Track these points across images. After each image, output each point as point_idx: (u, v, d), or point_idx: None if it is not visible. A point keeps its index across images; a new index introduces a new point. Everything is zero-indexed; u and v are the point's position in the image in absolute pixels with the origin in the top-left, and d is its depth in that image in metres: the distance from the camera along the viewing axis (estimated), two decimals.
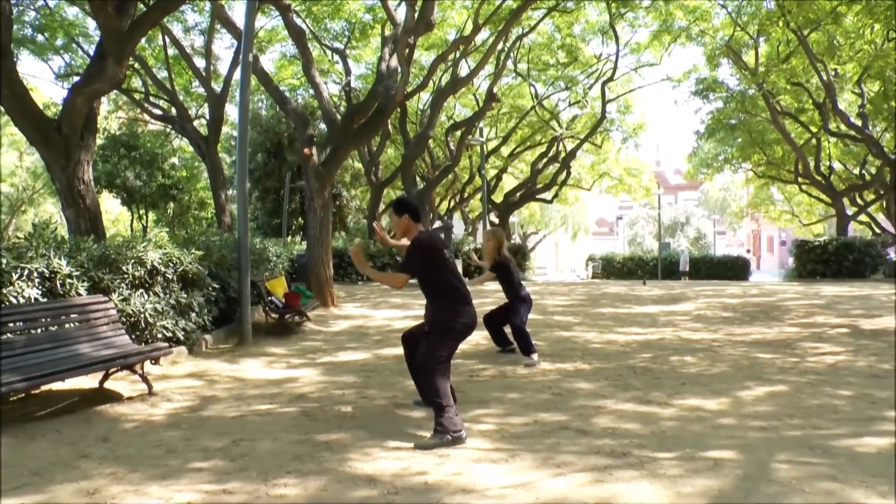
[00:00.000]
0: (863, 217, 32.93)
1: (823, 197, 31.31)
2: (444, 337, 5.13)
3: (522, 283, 8.86)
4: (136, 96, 22.69)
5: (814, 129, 27.69)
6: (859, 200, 31.85)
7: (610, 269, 38.18)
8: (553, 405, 5.90)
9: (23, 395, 5.98)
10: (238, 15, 33.42)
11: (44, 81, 67.11)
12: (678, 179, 70.21)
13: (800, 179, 30.97)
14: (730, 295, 16.39)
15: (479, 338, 9.79)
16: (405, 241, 6.16)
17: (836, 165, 31.96)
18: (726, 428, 5.13)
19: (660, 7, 23.53)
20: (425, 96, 26.66)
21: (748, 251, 59.44)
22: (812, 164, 28.42)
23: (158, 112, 22.28)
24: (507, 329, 8.63)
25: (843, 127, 25.43)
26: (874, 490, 3.81)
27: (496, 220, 32.13)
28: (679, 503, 3.69)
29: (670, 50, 26.66)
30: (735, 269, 34.00)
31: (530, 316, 9.01)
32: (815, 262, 23.73)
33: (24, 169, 34.19)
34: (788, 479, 3.99)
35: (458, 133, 25.51)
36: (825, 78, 23.09)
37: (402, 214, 5.43)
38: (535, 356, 7.92)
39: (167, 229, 26.28)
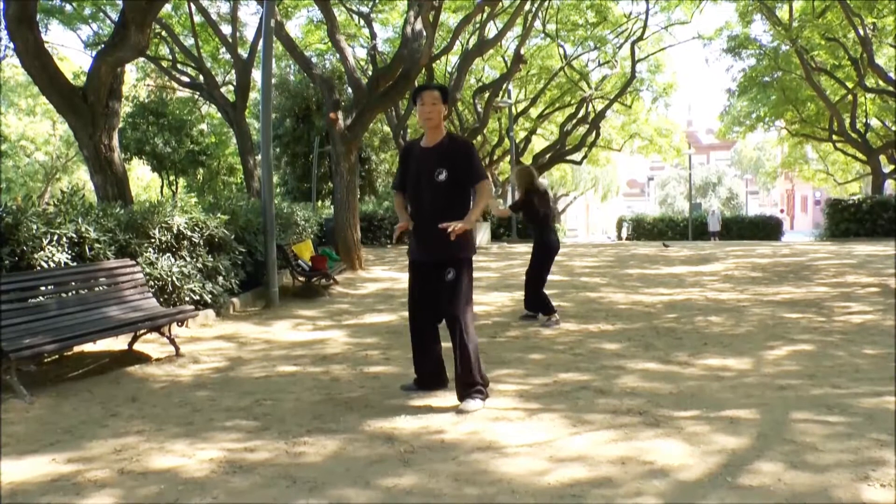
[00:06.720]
0: None
1: (859, 155, 30.54)
2: (469, 269, 4.82)
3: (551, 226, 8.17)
4: (164, 64, 22.78)
5: (850, 85, 26.98)
6: None
7: (640, 230, 37.81)
8: (574, 365, 5.94)
9: (56, 356, 6.16)
10: None
11: (73, 51, 67.54)
12: (710, 139, 69.06)
13: (834, 137, 30.28)
14: (760, 255, 16.20)
15: (505, 299, 9.85)
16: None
17: (873, 122, 31.12)
18: (745, 387, 5.12)
19: None
20: (454, 59, 26.41)
21: (781, 211, 58.62)
22: (847, 121, 27.76)
23: (186, 79, 22.32)
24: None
25: (880, 83, 24.78)
26: (890, 448, 3.79)
27: None
28: (694, 461, 3.71)
29: (701, 7, 26.06)
30: (767, 229, 33.53)
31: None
32: (848, 222, 23.23)
33: (58, 137, 34.56)
34: (803, 437, 3.99)
35: (486, 95, 25.28)
36: (862, 33, 22.45)
37: (446, 103, 4.72)
38: (556, 316, 7.92)
39: (194, 195, 26.50)
